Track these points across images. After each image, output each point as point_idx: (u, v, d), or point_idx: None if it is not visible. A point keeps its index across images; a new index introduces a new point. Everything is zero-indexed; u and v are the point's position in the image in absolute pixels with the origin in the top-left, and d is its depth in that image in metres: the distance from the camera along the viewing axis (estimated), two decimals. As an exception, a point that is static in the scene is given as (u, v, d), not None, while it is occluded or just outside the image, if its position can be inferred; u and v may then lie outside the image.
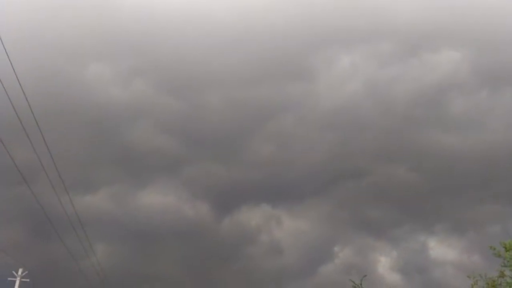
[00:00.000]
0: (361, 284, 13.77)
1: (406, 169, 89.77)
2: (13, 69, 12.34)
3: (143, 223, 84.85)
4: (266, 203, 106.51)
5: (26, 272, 33.45)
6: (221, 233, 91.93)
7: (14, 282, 32.52)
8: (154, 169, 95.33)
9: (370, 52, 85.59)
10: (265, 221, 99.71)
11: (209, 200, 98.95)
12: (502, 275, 15.61)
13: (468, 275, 16.70)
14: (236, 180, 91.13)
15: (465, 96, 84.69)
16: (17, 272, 32.88)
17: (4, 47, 11.71)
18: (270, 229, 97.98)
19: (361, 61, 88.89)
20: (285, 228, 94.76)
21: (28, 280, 33.93)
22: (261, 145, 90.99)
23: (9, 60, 12.09)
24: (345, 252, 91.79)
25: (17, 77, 12.50)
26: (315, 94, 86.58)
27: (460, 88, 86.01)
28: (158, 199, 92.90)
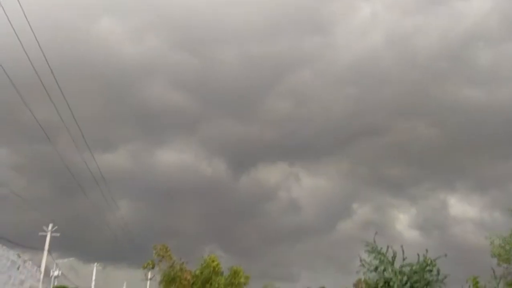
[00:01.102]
0: (374, 242, 13.91)
1: (428, 125, 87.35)
2: (30, 27, 12.31)
3: (162, 181, 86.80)
4: (283, 161, 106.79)
5: (56, 227, 35.15)
6: (239, 190, 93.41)
7: (45, 236, 34.25)
8: (171, 127, 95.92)
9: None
10: (283, 179, 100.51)
11: (226, 158, 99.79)
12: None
13: (486, 236, 16.95)
14: (252, 137, 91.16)
15: (493, 48, 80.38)
16: (47, 227, 34.58)
17: (20, 4, 11.65)
18: (287, 186, 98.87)
19: (382, 10, 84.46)
20: (303, 186, 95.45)
21: (58, 234, 35.66)
22: (278, 102, 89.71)
23: (25, 17, 12.05)
24: (364, 209, 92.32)
25: (34, 35, 12.49)
26: (333, 48, 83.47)
27: (488, 40, 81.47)
28: (175, 157, 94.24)
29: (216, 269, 20.18)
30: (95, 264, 49.95)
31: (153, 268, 19.68)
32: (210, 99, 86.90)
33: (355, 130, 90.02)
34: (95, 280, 49.18)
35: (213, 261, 20.56)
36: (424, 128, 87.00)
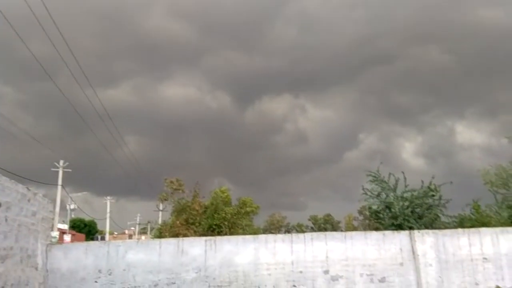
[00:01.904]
0: (378, 171, 13.90)
1: (441, 51, 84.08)
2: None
3: (168, 116, 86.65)
4: (289, 93, 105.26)
5: (67, 163, 35.95)
6: (245, 123, 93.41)
7: (57, 172, 35.16)
8: (173, 60, 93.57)
9: None
10: (289, 110, 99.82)
11: (230, 90, 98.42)
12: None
13: (479, 169, 16.90)
14: (257, 68, 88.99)
15: (511, -36, 74.29)
16: (58, 164, 35.37)
17: None
18: (294, 118, 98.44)
19: None
20: (310, 117, 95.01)
21: (70, 170, 36.56)
22: (283, 30, 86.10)
23: None
24: (370, 139, 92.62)
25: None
26: (341, -32, 77.99)
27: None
28: (179, 91, 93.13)
29: (226, 200, 20.63)
30: (108, 197, 51.85)
31: (166, 200, 20.09)
32: (212, 29, 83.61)
33: (364, 58, 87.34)
34: (110, 212, 51.38)
35: (223, 193, 20.96)
36: (437, 55, 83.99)
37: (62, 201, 38.05)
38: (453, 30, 76.73)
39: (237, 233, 15.92)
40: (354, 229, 40.29)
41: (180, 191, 18.97)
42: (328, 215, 56.49)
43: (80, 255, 8.57)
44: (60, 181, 35.02)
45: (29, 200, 7.36)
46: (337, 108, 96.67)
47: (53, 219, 8.32)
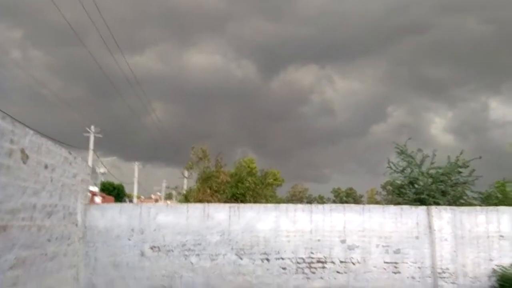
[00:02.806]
0: (405, 145, 13.76)
1: (478, 21, 79.50)
2: None
3: (194, 83, 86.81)
4: (315, 63, 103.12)
5: (99, 129, 37.32)
6: (271, 92, 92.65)
7: (88, 137, 36.61)
8: (198, 27, 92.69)
9: None
10: (316, 81, 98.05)
11: (255, 59, 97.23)
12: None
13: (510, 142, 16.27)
14: (284, 37, 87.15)
15: None
16: (89, 128, 36.77)
17: None
18: (321, 89, 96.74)
19: None
20: (337, 88, 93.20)
21: (100, 136, 37.97)
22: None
23: None
24: (399, 112, 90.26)
25: None
26: None
27: None
28: (204, 59, 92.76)
29: (254, 171, 21.14)
30: (136, 163, 53.73)
31: (191, 168, 20.80)
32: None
33: (396, 27, 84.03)
34: (137, 177, 53.36)
35: (251, 163, 21.46)
36: (474, 25, 79.63)
37: (92, 165, 39.81)
38: (492, -1, 72.20)
39: (260, 203, 16.51)
40: (376, 203, 40.47)
41: (206, 161, 19.63)
42: (351, 188, 56.73)
43: (115, 214, 9.32)
44: (91, 145, 36.55)
45: (70, 163, 8.04)
46: (365, 79, 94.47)
47: (89, 181, 9.06)
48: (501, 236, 10.16)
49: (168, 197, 63.90)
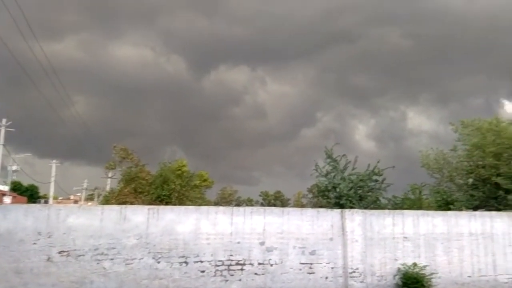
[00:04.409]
0: (331, 150, 14.44)
1: (401, 34, 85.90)
2: None
3: (120, 76, 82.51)
4: (246, 65, 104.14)
5: (10, 122, 34.14)
6: (204, 91, 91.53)
7: (-1, 131, 33.33)
8: (125, 16, 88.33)
9: None
10: (248, 83, 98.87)
11: (186, 55, 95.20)
12: (454, 149, 16.93)
13: (420, 150, 18.07)
14: (216, 35, 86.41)
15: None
16: (0, 121, 33.52)
17: None
18: (253, 90, 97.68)
19: None
20: (269, 91, 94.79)
21: (13, 130, 34.77)
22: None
23: None
24: (327, 118, 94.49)
25: None
26: None
27: None
28: (131, 51, 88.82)
29: (184, 173, 20.55)
30: (53, 160, 50.00)
31: (113, 169, 19.82)
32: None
33: (328, 34, 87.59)
34: (55, 176, 49.64)
35: (182, 165, 20.91)
36: (397, 38, 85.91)
37: (2, 162, 36.30)
38: (414, 14, 78.48)
39: (185, 205, 16.22)
40: (302, 206, 41.90)
41: (129, 160, 18.87)
42: (279, 191, 58.10)
43: (20, 216, 8.57)
44: (1, 140, 33.35)
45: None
46: (297, 83, 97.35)
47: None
48: (405, 237, 11.06)
49: (90, 198, 60.33)
